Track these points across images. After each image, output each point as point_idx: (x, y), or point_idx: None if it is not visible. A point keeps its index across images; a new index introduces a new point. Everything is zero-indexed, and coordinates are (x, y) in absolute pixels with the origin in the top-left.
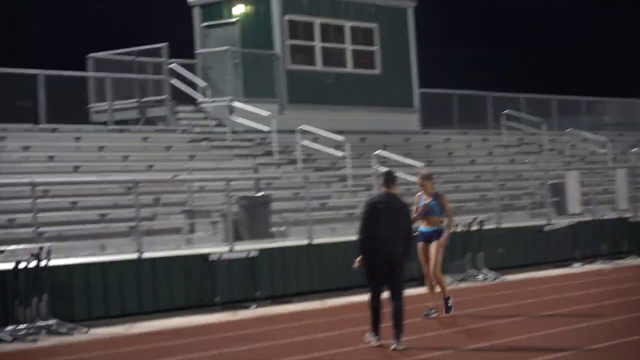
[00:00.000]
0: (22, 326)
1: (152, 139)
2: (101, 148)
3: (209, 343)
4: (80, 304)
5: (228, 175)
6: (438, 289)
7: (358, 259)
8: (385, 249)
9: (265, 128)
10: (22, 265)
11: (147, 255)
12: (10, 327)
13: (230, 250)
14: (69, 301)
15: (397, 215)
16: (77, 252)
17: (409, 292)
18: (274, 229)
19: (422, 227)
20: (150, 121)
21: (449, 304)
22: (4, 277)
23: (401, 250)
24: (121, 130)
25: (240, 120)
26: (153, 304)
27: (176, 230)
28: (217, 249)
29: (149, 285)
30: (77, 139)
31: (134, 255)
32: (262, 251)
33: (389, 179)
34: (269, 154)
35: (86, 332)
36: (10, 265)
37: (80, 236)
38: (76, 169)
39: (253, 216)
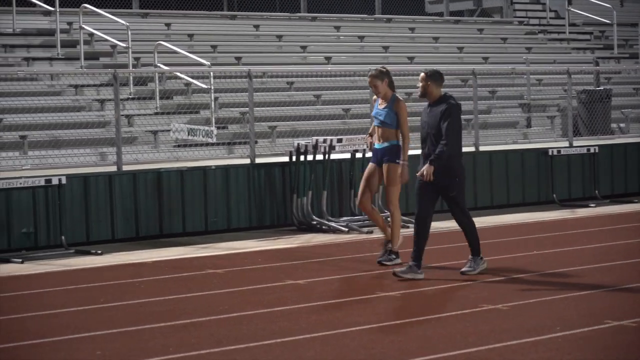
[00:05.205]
0: (356, 217)
1: (488, 30)
2: (436, 39)
3: (549, 240)
4: (413, 198)
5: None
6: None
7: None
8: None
9: (605, 20)
10: (359, 155)
11: (483, 148)
12: (345, 218)
13: (570, 146)
14: (402, 193)
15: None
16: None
17: None
18: (613, 125)
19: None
20: (486, 12)
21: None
22: (340, 167)
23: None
24: (456, 22)
25: (579, 11)
26: (488, 199)
27: (512, 124)
28: (555, 144)
29: (484, 180)
30: (412, 29)
31: (469, 149)
32: (602, 147)
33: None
34: (608, 47)
35: None
36: (347, 155)
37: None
38: (411, 60)
39: (592, 111)
